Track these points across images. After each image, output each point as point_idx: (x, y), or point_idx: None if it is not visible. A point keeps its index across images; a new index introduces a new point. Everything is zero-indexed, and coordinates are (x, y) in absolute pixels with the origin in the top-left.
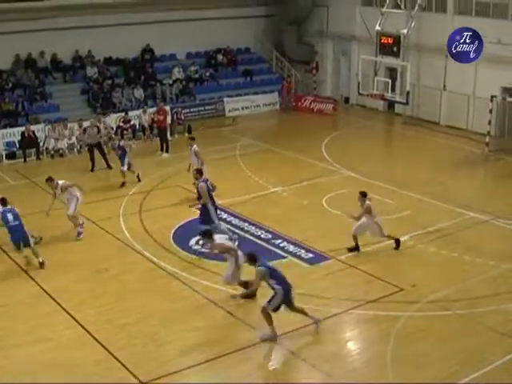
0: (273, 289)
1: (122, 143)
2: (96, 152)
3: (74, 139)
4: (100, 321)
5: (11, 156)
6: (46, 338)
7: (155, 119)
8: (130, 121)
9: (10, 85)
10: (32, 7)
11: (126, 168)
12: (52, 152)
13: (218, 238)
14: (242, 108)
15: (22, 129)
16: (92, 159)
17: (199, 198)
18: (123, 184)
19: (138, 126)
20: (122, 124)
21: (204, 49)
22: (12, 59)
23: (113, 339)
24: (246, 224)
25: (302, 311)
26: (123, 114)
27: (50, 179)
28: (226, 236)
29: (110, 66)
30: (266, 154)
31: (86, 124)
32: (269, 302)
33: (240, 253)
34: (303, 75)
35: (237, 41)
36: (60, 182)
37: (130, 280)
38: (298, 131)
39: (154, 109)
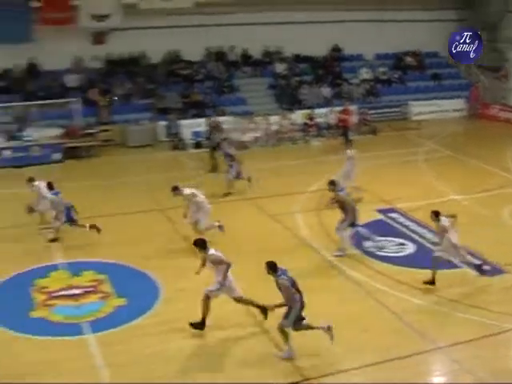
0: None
1: (230, 151)
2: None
3: (259, 133)
4: (271, 314)
5: (198, 145)
6: (216, 325)
7: (340, 118)
8: (315, 118)
9: (201, 76)
10: (223, 2)
11: (232, 177)
12: (237, 144)
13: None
14: (429, 112)
15: (209, 119)
16: (212, 159)
17: (342, 208)
18: (228, 194)
19: (323, 124)
20: (308, 121)
21: (393, 50)
22: (203, 52)
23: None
24: (425, 230)
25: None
26: (309, 111)
27: (175, 188)
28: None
29: (298, 63)
30: (449, 160)
31: (272, 119)
32: (285, 317)
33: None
34: (491, 82)
35: (426, 44)
36: (186, 192)
37: (303, 277)
38: (483, 139)
39: (340, 108)
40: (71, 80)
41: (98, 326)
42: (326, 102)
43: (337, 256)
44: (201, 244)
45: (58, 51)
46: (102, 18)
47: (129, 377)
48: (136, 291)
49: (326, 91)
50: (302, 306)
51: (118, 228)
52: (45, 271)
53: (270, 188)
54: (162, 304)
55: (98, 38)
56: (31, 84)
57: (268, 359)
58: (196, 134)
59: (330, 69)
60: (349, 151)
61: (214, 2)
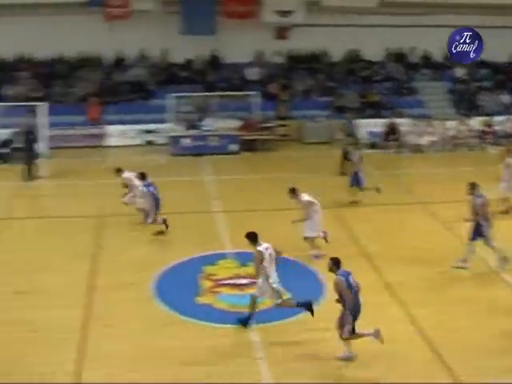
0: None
1: (355, 157)
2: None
3: (436, 137)
4: (433, 320)
5: (373, 145)
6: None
7: None
8: (493, 126)
9: (380, 77)
10: (408, 3)
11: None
12: (412, 147)
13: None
14: None
15: (386, 121)
16: (342, 161)
17: (476, 213)
18: (355, 202)
19: (501, 132)
20: (485, 128)
21: None
22: (383, 52)
23: (442, 341)
24: None
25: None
26: (487, 117)
27: (292, 191)
28: None
29: (479, 69)
30: None
31: (448, 124)
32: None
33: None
34: None
35: None
36: (304, 198)
37: (466, 285)
38: None
39: None
40: (252, 73)
41: (262, 317)
42: (505, 110)
43: (499, 268)
44: (252, 238)
45: (239, 44)
46: (285, 13)
47: (284, 371)
48: (301, 287)
49: (506, 98)
50: (355, 317)
51: (281, 223)
52: (213, 259)
53: (445, 194)
54: (325, 302)
55: (281, 33)
56: (212, 75)
57: (411, 358)
58: (372, 134)
59: (511, 76)
60: (508, 159)
61: (398, 2)
